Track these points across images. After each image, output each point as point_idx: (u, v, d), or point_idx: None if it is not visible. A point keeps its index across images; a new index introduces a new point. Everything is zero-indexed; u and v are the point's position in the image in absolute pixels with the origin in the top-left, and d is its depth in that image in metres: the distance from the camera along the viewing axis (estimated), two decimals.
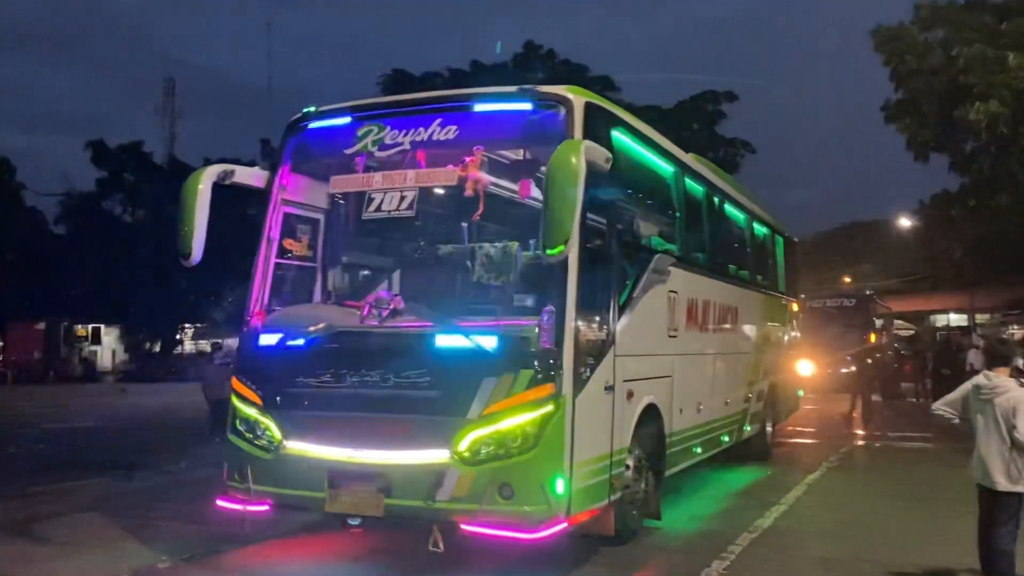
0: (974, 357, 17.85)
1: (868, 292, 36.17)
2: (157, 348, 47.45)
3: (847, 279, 51.88)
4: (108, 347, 49.74)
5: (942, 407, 6.68)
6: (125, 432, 18.48)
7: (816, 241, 57.20)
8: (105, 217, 47.98)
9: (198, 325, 50.52)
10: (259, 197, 7.89)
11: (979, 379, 6.40)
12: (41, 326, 45.37)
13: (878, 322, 33.05)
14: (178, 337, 49.09)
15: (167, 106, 74.36)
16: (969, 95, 13.68)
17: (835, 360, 28.72)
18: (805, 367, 18.55)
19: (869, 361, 25.98)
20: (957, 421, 6.58)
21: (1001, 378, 6.23)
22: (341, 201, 8.03)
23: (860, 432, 18.28)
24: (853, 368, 27.58)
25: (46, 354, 44.30)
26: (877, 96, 17.66)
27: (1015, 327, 35.54)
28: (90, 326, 48.40)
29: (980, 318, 42.36)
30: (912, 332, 43.58)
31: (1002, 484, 6.11)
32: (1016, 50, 13.31)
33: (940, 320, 47.64)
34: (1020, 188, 15.80)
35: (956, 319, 46.02)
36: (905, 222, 43.15)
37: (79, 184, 49.29)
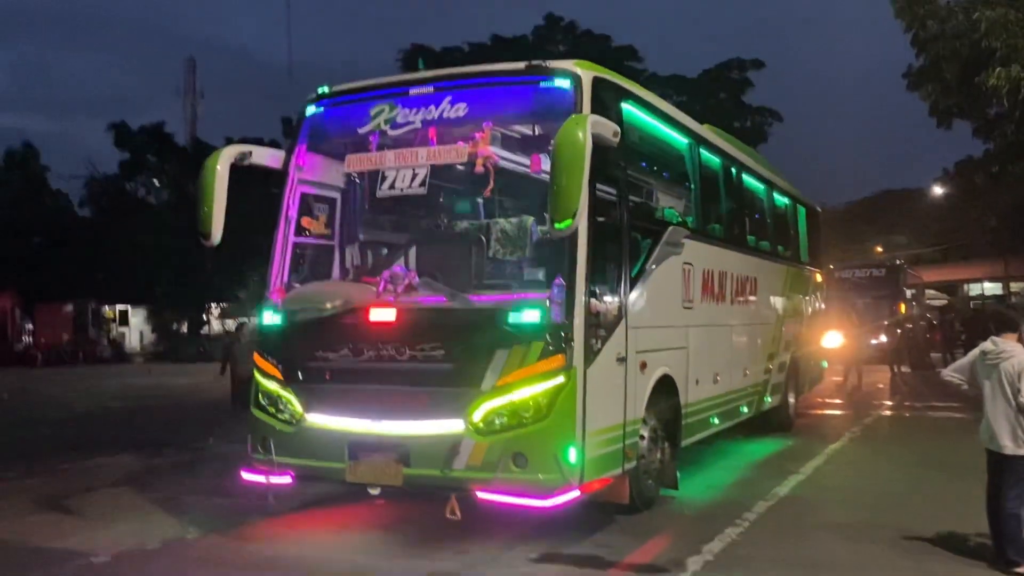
0: None
1: (898, 262, 36.00)
2: (184, 328, 48.17)
3: (879, 249, 51.50)
4: (136, 328, 50.57)
5: (951, 373, 6.85)
6: (153, 411, 18.98)
7: (847, 211, 56.83)
8: (129, 199, 48.72)
9: (224, 305, 51.25)
10: (277, 177, 8.14)
11: (986, 345, 6.54)
12: (69, 308, 46.18)
13: (908, 292, 32.92)
14: (204, 317, 49.80)
15: (188, 86, 75.36)
16: (991, 60, 13.59)
17: (864, 331, 28.72)
18: (833, 338, 18.62)
19: (899, 332, 26.01)
20: (966, 387, 6.74)
21: (1008, 343, 6.37)
22: (357, 180, 8.27)
23: (887, 402, 18.38)
24: (883, 339, 27.64)
25: (75, 336, 45.13)
26: (906, 62, 17.61)
27: None
28: (117, 307, 49.19)
29: (1015, 286, 42.01)
30: (945, 302, 43.30)
31: (1009, 448, 6.27)
32: None
33: (974, 289, 47.26)
34: None
35: (990, 288, 45.65)
36: (937, 190, 42.83)
37: (103, 167, 50.11)
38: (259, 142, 42.95)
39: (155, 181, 49.85)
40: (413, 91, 7.60)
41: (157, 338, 49.33)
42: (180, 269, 42.62)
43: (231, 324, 51.73)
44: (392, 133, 7.57)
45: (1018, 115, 15.22)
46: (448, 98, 7.35)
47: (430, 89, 7.52)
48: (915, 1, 14.80)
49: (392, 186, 7.37)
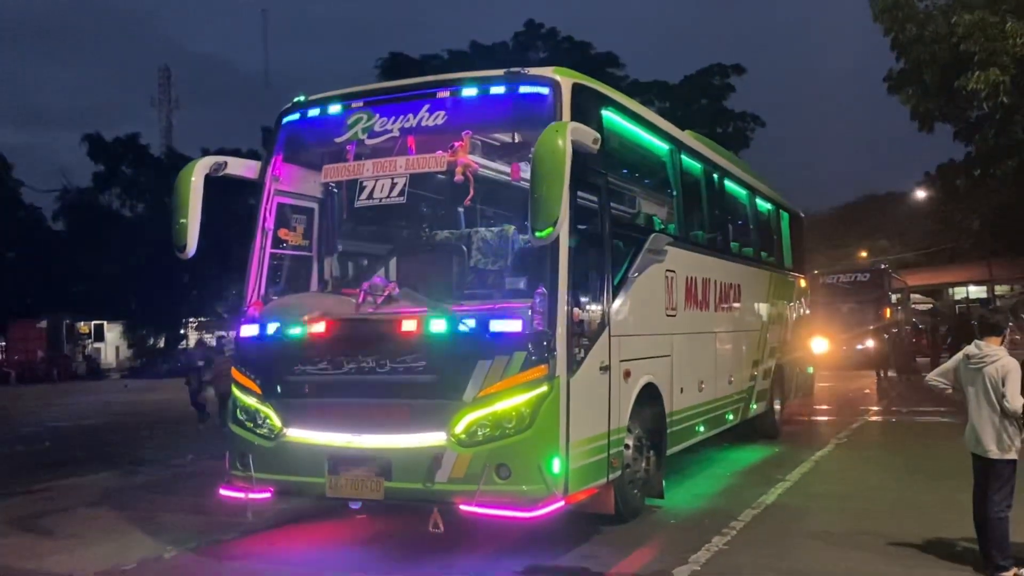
0: None
1: (883, 266, 36.28)
2: (161, 343, 47.87)
3: (863, 254, 51.92)
4: (111, 343, 50.30)
5: (935, 378, 6.90)
6: (129, 428, 18.83)
7: (831, 216, 57.28)
8: (104, 212, 48.39)
9: (202, 319, 51.01)
10: (254, 188, 8.12)
11: (970, 349, 6.60)
12: (43, 324, 45.89)
13: (894, 297, 33.18)
14: (182, 332, 49.51)
15: (163, 96, 75.19)
16: (970, 63, 13.75)
17: (850, 337, 28.95)
18: (818, 344, 18.73)
19: (884, 337, 26.23)
20: (950, 391, 6.79)
21: (991, 347, 6.43)
22: (335, 190, 8.26)
23: (874, 407, 18.52)
24: (869, 344, 27.85)
25: (49, 352, 44.80)
26: (885, 66, 17.79)
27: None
28: (92, 323, 48.92)
29: (1000, 289, 42.41)
30: (930, 306, 43.67)
31: (994, 452, 6.32)
32: (1016, 16, 13.36)
33: (959, 293, 47.68)
34: None
35: (975, 291, 46.06)
36: (920, 194, 43.21)
37: (76, 179, 49.79)
38: (237, 152, 42.88)
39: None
40: (390, 99, 7.62)
41: (133, 353, 49.00)
42: (157, 283, 42.34)
43: (209, 339, 51.52)
44: (370, 142, 7.56)
45: (998, 118, 15.40)
46: (426, 106, 7.36)
47: (408, 97, 7.53)
48: (894, 4, 14.94)
49: (370, 196, 7.36)
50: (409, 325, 6.96)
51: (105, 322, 49.29)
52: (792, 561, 6.98)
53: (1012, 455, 6.32)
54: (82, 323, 48.72)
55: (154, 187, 46.75)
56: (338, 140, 7.64)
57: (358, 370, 7.03)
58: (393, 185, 7.27)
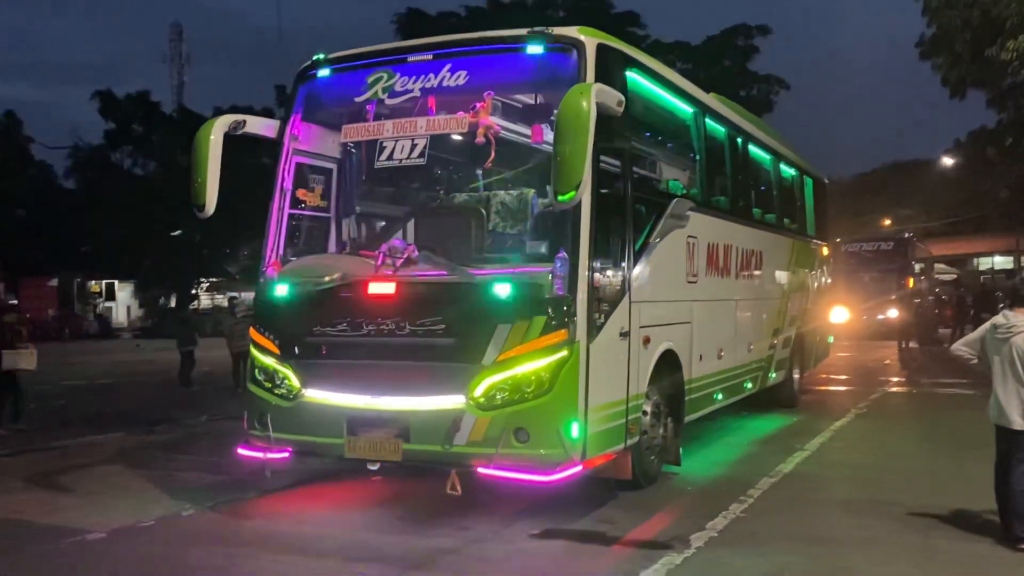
0: None
1: (907, 235, 36.08)
2: (172, 303, 48.25)
3: (887, 221, 51.56)
4: (123, 303, 50.72)
5: (960, 347, 6.93)
6: (143, 387, 19.10)
7: (855, 183, 56.85)
8: (115, 170, 48.58)
9: (213, 279, 51.34)
10: (272, 147, 8.17)
11: (997, 319, 6.63)
12: (54, 283, 46.29)
13: (917, 266, 33.04)
14: (193, 292, 49.86)
15: (175, 53, 75.13)
16: (1003, 30, 13.54)
17: (871, 306, 28.89)
18: (839, 313, 18.72)
19: (907, 307, 26.17)
20: (975, 361, 6.82)
21: (1020, 317, 6.44)
22: (353, 150, 8.29)
23: (894, 378, 18.56)
24: (891, 314, 27.81)
25: (60, 311, 45.23)
26: (918, 29, 17.56)
27: None
28: (104, 282, 49.28)
29: None
30: (954, 276, 43.45)
31: (1018, 423, 6.36)
32: None
33: (984, 263, 47.37)
34: None
35: (1001, 262, 45.76)
36: (947, 162, 42.81)
37: (88, 136, 49.95)
38: (250, 110, 42.82)
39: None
40: (412, 59, 7.60)
41: (145, 313, 49.43)
42: (168, 242, 42.60)
43: (221, 299, 51.89)
44: (390, 102, 7.58)
45: None
46: (448, 66, 7.36)
47: (429, 57, 7.52)
48: None
49: (390, 157, 7.39)
50: (429, 288, 7.03)
51: (116, 281, 49.64)
52: (810, 528, 7.08)
53: None
54: (93, 282, 49.08)
55: (166, 145, 46.90)
56: (358, 100, 7.66)
57: (378, 332, 7.12)
58: (414, 146, 7.30)
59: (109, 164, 49.09)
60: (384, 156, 7.42)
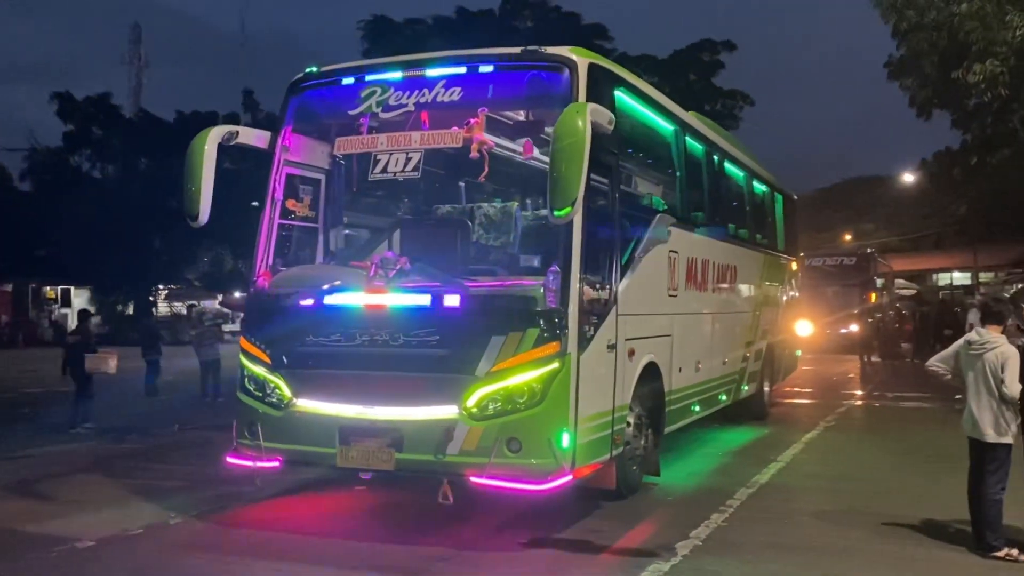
0: (974, 316, 18.48)
1: (869, 250, 36.84)
2: (131, 310, 47.67)
3: (848, 237, 52.55)
4: (78, 309, 49.90)
5: (935, 363, 7.26)
6: (106, 396, 18.86)
7: (817, 197, 57.83)
8: (73, 173, 47.89)
9: (173, 286, 50.80)
10: (261, 158, 8.29)
11: (971, 335, 6.97)
12: (8, 288, 45.49)
13: (879, 281, 33.76)
14: (152, 299, 49.30)
15: (133, 55, 74.28)
16: (969, 53, 14.09)
17: (834, 321, 29.46)
18: (803, 327, 19.15)
19: (868, 321, 26.77)
20: (949, 376, 7.16)
21: (991, 334, 6.78)
22: (342, 162, 8.44)
23: (858, 392, 19.02)
24: (853, 328, 28.42)
25: (14, 317, 44.48)
26: (882, 49, 18.13)
27: (1019, 285, 36.31)
28: (59, 288, 48.50)
29: (984, 276, 43.16)
30: (915, 291, 44.40)
31: (991, 436, 6.70)
32: (1014, 6, 13.68)
33: (943, 279, 48.46)
34: (1021, 146, 16.29)
35: (960, 278, 46.83)
36: (908, 178, 43.80)
37: (45, 139, 49.19)
38: (214, 115, 42.71)
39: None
40: (406, 73, 7.78)
41: (102, 320, 48.71)
42: (127, 248, 42.09)
43: (180, 307, 51.34)
44: (383, 115, 7.74)
45: (995, 107, 15.78)
46: (442, 82, 7.55)
47: (423, 72, 7.71)
48: None
49: (384, 170, 7.56)
50: (423, 299, 7.20)
51: (72, 287, 48.90)
52: (790, 538, 7.35)
53: (1008, 439, 6.71)
54: (49, 288, 48.32)
55: (126, 149, 46.41)
56: (352, 112, 7.82)
57: (371, 342, 7.27)
58: (408, 160, 7.47)
59: (67, 167, 48.38)
60: (378, 169, 7.58)
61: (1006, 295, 10.75)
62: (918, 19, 15.14)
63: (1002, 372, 6.60)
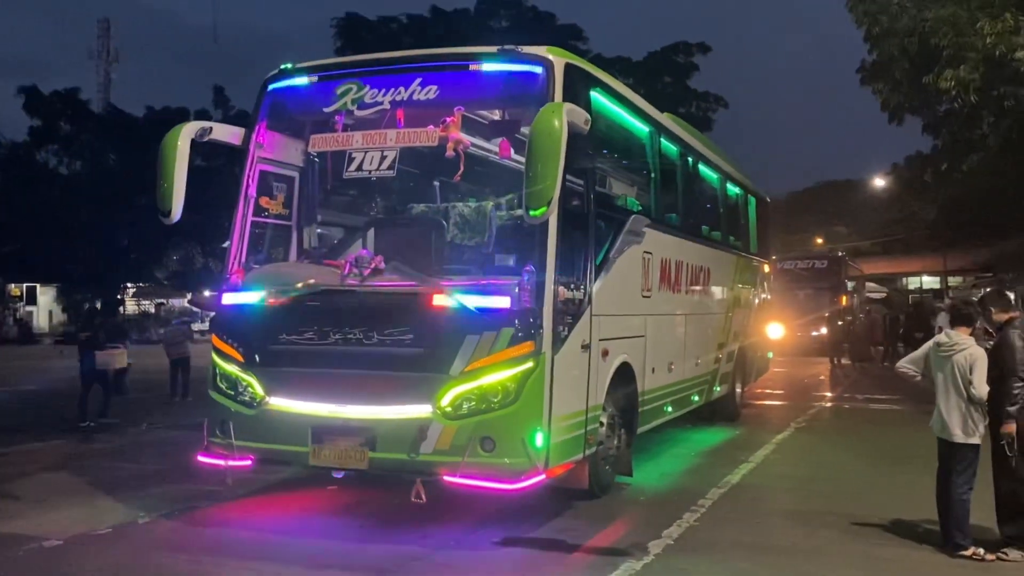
0: (943, 320, 18.77)
1: (840, 254, 37.25)
2: (98, 308, 47.13)
3: (820, 240, 53.12)
4: (44, 307, 49.45)
5: (905, 365, 7.38)
6: (74, 394, 18.67)
7: (789, 201, 58.41)
8: (39, 169, 47.28)
9: (141, 284, 50.34)
10: (235, 154, 8.27)
11: (940, 337, 7.10)
12: None
13: (849, 284, 34.14)
14: (119, 297, 48.80)
15: (102, 49, 73.59)
16: (940, 58, 14.30)
17: (804, 323, 29.77)
18: (774, 330, 19.35)
19: (839, 324, 27.08)
20: (919, 378, 7.28)
21: (960, 336, 6.90)
22: (316, 159, 8.43)
23: (828, 394, 19.24)
24: (824, 331, 28.74)
25: None
26: (857, 54, 18.38)
27: (987, 288, 36.94)
28: (24, 285, 47.94)
29: (953, 281, 43.82)
30: (884, 294, 44.94)
31: (959, 436, 6.81)
32: (985, 12, 13.89)
33: (913, 282, 49.12)
34: (990, 151, 16.56)
35: (929, 281, 47.51)
36: (879, 183, 44.34)
37: (10, 133, 48.50)
38: (184, 111, 42.32)
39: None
40: (382, 71, 7.80)
41: (68, 318, 48.20)
42: (94, 245, 41.64)
43: (148, 305, 50.89)
44: (359, 113, 7.75)
45: (965, 113, 16.03)
46: (418, 80, 7.57)
47: (400, 70, 7.73)
48: None
49: (359, 168, 7.57)
50: (398, 298, 7.21)
51: (38, 285, 48.37)
52: (761, 537, 7.43)
53: (976, 440, 6.83)
54: (13, 285, 47.75)
55: (94, 145, 45.89)
56: (327, 110, 7.82)
57: (344, 341, 7.27)
58: (384, 158, 7.49)
59: (33, 162, 47.76)
60: (353, 167, 7.60)
61: (974, 298, 10.89)
62: (890, 24, 15.32)
63: (970, 374, 6.71)
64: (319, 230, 8.83)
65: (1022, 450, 6.78)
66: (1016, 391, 6.66)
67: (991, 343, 7.20)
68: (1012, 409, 6.68)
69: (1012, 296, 9.25)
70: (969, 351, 6.79)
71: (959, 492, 6.85)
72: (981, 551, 6.75)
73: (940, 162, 18.87)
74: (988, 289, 13.19)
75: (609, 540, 7.34)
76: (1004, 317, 7.04)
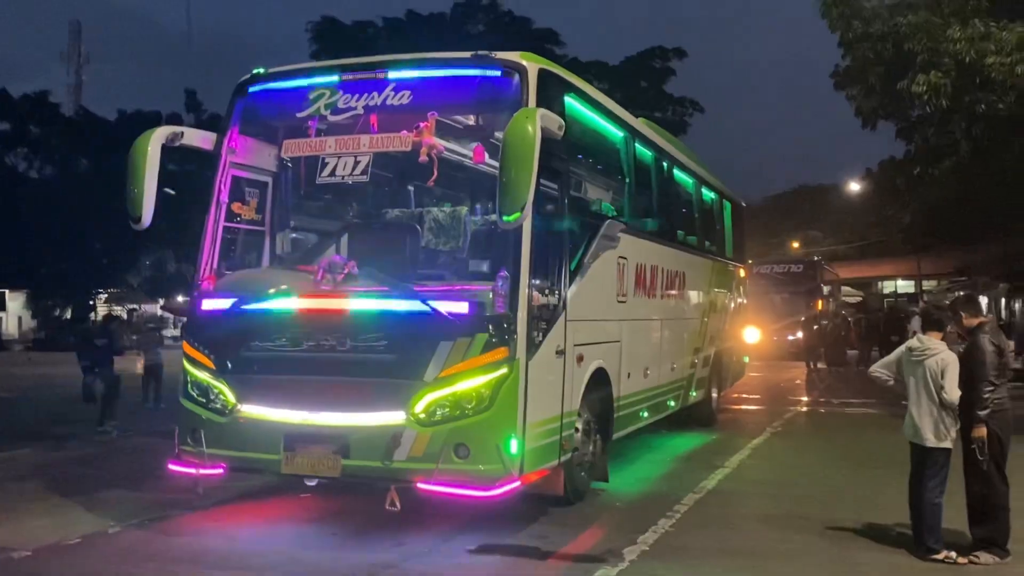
0: (917, 324, 18.96)
1: (816, 258, 37.55)
2: (68, 314, 46.71)
3: (796, 244, 53.48)
4: (14, 313, 48.90)
5: (878, 369, 7.45)
6: (44, 402, 18.52)
7: (765, 205, 58.81)
8: (8, 173, 46.79)
9: (113, 290, 49.90)
10: (207, 159, 8.22)
11: (912, 342, 7.17)
12: None
13: (825, 288, 34.41)
14: (91, 303, 48.36)
15: (73, 51, 72.98)
16: (913, 64, 14.47)
17: (781, 327, 30.00)
18: (751, 334, 19.47)
19: (815, 328, 27.30)
20: (892, 383, 7.35)
21: (932, 341, 6.98)
22: (289, 164, 8.39)
23: (804, 398, 19.38)
24: (800, 335, 28.96)
25: None
26: (831, 58, 18.56)
27: (960, 293, 37.34)
28: None
29: (927, 285, 44.24)
30: (860, 299, 45.34)
31: (931, 440, 6.89)
32: (957, 19, 14.07)
33: (888, 287, 49.57)
34: (962, 157, 16.75)
35: (904, 285, 47.97)
36: (855, 187, 44.74)
37: None
38: (157, 115, 42.01)
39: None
40: (355, 76, 7.79)
41: (38, 324, 47.72)
42: (65, 250, 41.25)
43: (120, 311, 50.37)
44: (332, 118, 7.75)
45: (938, 119, 16.22)
46: (392, 85, 7.57)
47: (373, 75, 7.73)
48: (840, 1, 15.56)
49: (333, 173, 7.56)
50: (371, 304, 7.20)
51: (7, 290, 47.82)
52: (736, 542, 7.47)
53: (947, 444, 6.90)
54: None
55: (64, 148, 45.49)
56: (300, 115, 7.79)
57: (317, 348, 7.26)
58: (356, 163, 7.48)
59: (2, 166, 47.27)
60: (326, 172, 7.58)
61: (947, 302, 11.05)
62: (864, 29, 15.47)
63: (942, 378, 6.79)
64: (292, 236, 8.80)
65: (992, 454, 6.87)
66: (986, 395, 6.75)
67: (963, 347, 7.29)
68: (983, 413, 6.76)
69: (985, 301, 9.38)
70: (941, 356, 6.86)
71: (931, 496, 6.92)
72: (953, 554, 6.83)
73: (912, 167, 19.06)
74: (960, 294, 13.34)
75: (584, 546, 7.36)
76: (974, 322, 7.12)
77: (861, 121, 17.48)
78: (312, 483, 7.70)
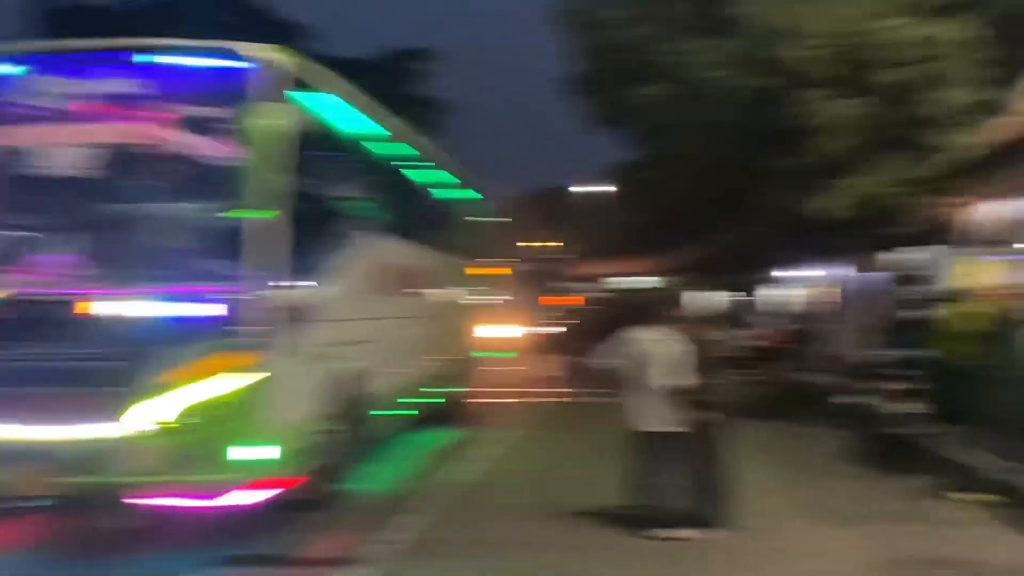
0: (639, 316, 20.06)
1: (566, 255, 39.15)
2: None
3: (548, 243, 55.47)
4: None
5: (596, 360, 7.94)
6: None
7: (518, 204, 60.46)
8: None
9: None
10: None
11: (630, 332, 7.74)
12: None
13: (575, 284, 36.00)
14: None
15: None
16: (638, 76, 15.32)
17: (532, 322, 31.06)
18: (506, 329, 19.98)
19: (565, 322, 28.49)
20: (611, 371, 7.85)
21: (648, 331, 7.56)
22: None
23: (556, 391, 20.10)
24: (550, 330, 30.10)
25: None
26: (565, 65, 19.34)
27: (674, 288, 40.38)
28: None
29: (657, 281, 47.37)
30: (607, 294, 47.76)
31: (651, 426, 7.47)
32: (690, 33, 15.05)
33: (626, 282, 52.57)
34: (682, 164, 17.80)
35: (639, 281, 51.06)
36: (596, 189, 47.13)
37: None
38: None
39: None
40: (73, 60, 7.21)
41: None
42: None
43: None
44: (47, 105, 7.08)
45: (659, 129, 17.24)
46: (121, 71, 7.05)
47: (94, 59, 7.17)
48: (571, 11, 16.21)
49: (42, 165, 6.93)
50: (88, 307, 6.64)
51: None
52: (479, 533, 7.68)
53: (667, 428, 7.48)
54: None
55: None
56: (13, 100, 7.06)
57: (23, 355, 6.60)
58: (73, 154, 6.92)
59: None
60: (39, 163, 6.92)
61: (658, 298, 11.88)
62: (599, 39, 16.14)
63: (663, 366, 7.36)
64: None
65: (709, 437, 7.50)
66: (704, 382, 7.34)
67: (684, 337, 7.82)
68: (701, 399, 7.35)
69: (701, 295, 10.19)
70: (663, 344, 7.40)
71: (651, 478, 7.49)
72: (681, 531, 7.36)
73: (640, 173, 20.18)
74: (671, 289, 14.38)
75: (335, 550, 7.20)
76: (679, 313, 7.76)
77: (598, 128, 18.30)
78: (28, 505, 6.97)
